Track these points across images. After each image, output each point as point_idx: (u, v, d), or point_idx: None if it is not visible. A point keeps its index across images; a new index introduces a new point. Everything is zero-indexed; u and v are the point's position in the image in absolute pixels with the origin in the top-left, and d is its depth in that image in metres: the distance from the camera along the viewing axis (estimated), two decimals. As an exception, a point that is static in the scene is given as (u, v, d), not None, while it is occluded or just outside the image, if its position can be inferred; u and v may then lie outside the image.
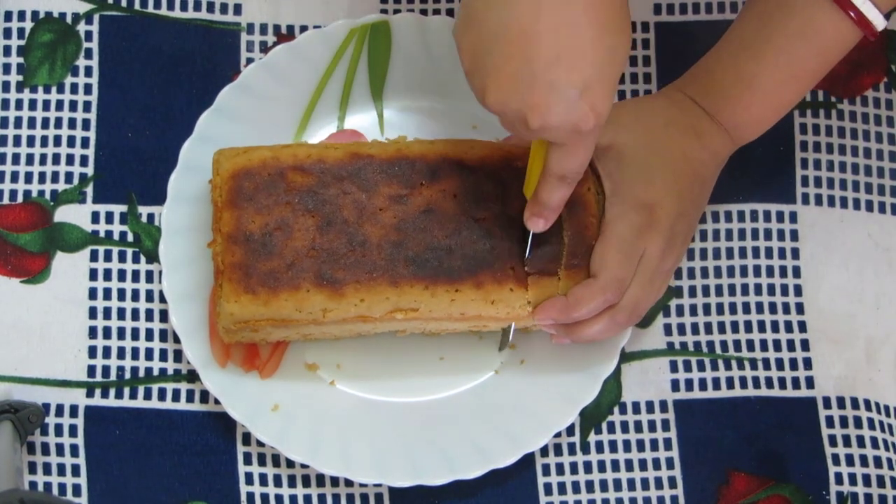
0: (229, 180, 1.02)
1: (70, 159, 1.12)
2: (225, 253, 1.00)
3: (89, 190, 1.12)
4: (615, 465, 1.08)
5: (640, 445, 1.09)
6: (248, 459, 1.07)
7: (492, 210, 1.02)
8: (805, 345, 1.11)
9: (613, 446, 1.09)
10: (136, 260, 1.11)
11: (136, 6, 1.15)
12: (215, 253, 1.02)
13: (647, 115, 1.03)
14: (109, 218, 1.11)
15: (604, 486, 1.08)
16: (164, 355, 1.09)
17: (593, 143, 0.91)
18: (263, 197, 1.01)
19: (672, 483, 1.08)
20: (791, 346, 1.11)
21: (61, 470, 1.07)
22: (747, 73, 1.00)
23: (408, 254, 1.00)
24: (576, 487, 1.08)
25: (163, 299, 1.09)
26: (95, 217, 1.11)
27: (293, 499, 1.07)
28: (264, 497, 1.07)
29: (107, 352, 1.09)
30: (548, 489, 1.08)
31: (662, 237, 1.00)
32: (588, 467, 1.08)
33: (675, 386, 1.10)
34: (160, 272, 1.07)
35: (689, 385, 1.10)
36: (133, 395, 1.08)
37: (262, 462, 1.07)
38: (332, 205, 1.01)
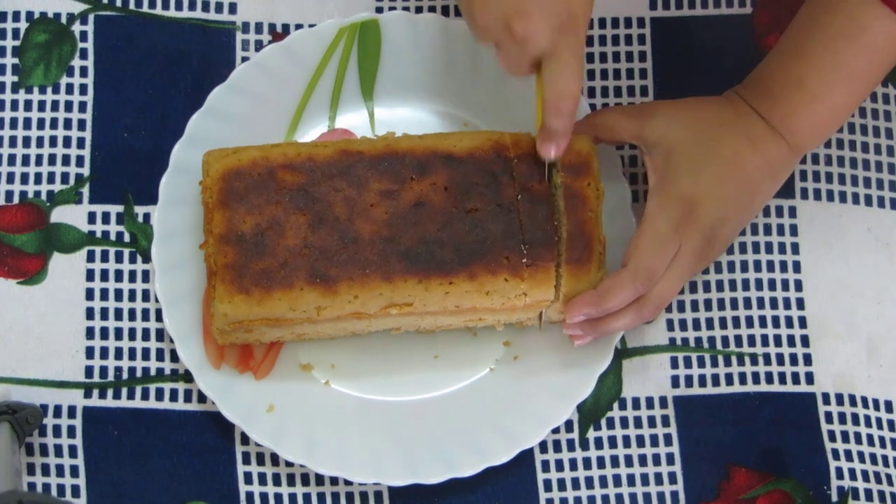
0: (219, 181, 1.02)
1: (66, 160, 1.12)
2: (217, 254, 1.00)
3: (85, 190, 1.12)
4: (615, 461, 1.08)
5: (640, 441, 1.08)
6: (246, 459, 1.07)
7: (483, 201, 1.02)
8: (805, 340, 1.11)
9: (613, 442, 1.08)
10: (132, 260, 1.11)
11: (131, 6, 1.15)
12: (208, 254, 1.02)
13: (703, 114, 1.03)
14: (106, 218, 1.11)
15: (604, 482, 1.08)
16: (161, 355, 1.09)
17: (579, 58, 0.94)
18: (254, 197, 1.01)
19: (672, 479, 1.08)
20: (791, 341, 1.11)
21: (60, 471, 1.07)
22: (795, 76, 1.00)
23: (400, 248, 1.00)
24: (575, 484, 1.07)
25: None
26: (92, 217, 1.11)
27: (293, 498, 1.06)
28: (263, 496, 1.06)
29: (104, 352, 1.09)
30: (547, 485, 1.07)
31: (700, 236, 1.00)
32: (588, 463, 1.08)
33: (675, 382, 1.09)
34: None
35: (688, 381, 1.09)
36: (131, 396, 1.08)
37: (260, 461, 1.07)
38: (323, 202, 1.01)
